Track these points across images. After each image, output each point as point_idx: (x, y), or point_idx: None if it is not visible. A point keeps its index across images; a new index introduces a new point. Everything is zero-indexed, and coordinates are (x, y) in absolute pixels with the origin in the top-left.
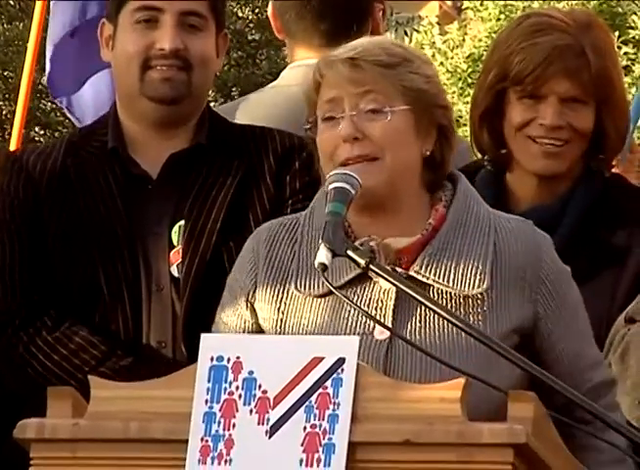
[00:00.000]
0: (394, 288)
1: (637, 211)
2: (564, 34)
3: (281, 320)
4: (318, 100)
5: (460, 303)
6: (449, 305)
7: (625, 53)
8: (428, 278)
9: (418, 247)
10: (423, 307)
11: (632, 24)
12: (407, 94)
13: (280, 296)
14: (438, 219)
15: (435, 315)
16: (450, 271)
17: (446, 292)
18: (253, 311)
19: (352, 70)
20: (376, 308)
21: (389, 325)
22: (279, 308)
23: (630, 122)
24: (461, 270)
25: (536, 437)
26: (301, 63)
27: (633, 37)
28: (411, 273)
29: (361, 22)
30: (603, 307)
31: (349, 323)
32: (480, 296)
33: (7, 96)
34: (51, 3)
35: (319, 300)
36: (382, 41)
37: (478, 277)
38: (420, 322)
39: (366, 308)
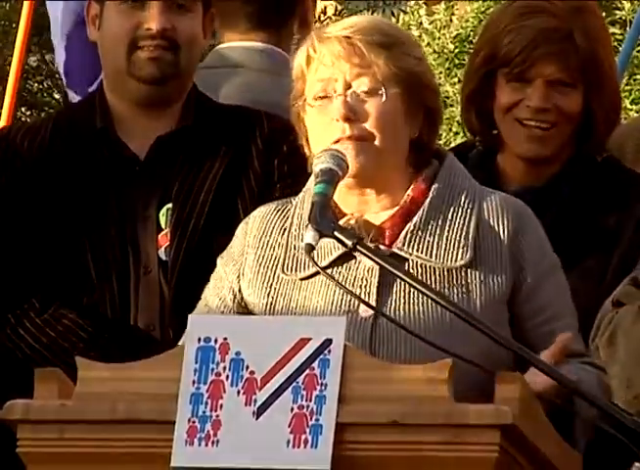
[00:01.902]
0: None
1: (628, 194)
2: (552, 18)
3: (270, 304)
4: (308, 76)
5: (444, 276)
6: (433, 279)
7: (613, 34)
8: (411, 254)
9: (398, 220)
10: (407, 285)
11: (619, 5)
12: (400, 76)
13: (269, 281)
14: (417, 191)
15: (419, 293)
16: (432, 246)
17: (429, 266)
18: (234, 300)
19: (348, 48)
20: (360, 287)
21: (374, 303)
22: (268, 293)
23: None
24: (443, 244)
25: (523, 418)
26: (226, 45)
27: (620, 18)
28: (394, 250)
29: (289, 7)
30: (592, 290)
31: (335, 302)
32: (463, 269)
33: None
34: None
35: (305, 282)
36: (376, 20)
37: (460, 250)
38: (404, 299)
39: (350, 287)
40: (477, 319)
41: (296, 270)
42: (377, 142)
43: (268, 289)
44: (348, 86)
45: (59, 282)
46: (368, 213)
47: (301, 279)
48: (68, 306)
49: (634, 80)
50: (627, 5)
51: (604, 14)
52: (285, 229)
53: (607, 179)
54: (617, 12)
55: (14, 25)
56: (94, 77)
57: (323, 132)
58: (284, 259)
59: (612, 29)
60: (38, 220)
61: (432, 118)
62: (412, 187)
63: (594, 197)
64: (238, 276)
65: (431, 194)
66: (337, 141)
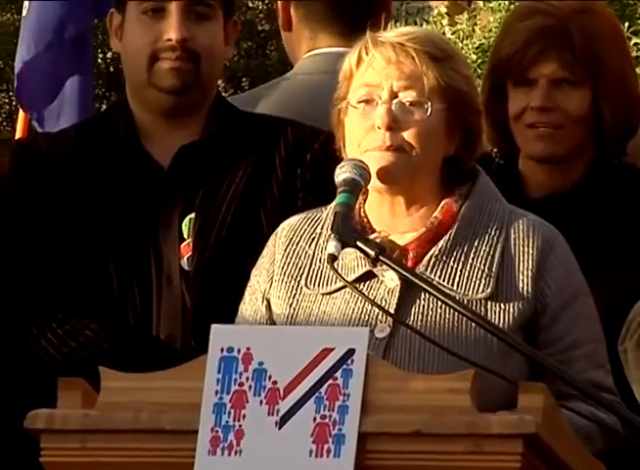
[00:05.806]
0: (399, 287)
1: None
2: (547, 17)
3: (291, 316)
4: (355, 77)
5: (463, 305)
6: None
7: (635, 44)
8: (432, 280)
9: (424, 242)
10: (425, 306)
11: None
12: (447, 92)
13: (293, 292)
14: (445, 214)
15: (437, 313)
16: (455, 274)
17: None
18: (269, 307)
19: (401, 55)
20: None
21: (390, 324)
22: (290, 304)
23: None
24: (466, 273)
25: (546, 427)
26: (322, 51)
27: None
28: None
29: (377, 11)
30: (617, 297)
31: (352, 321)
32: (482, 300)
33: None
34: (22, 20)
35: (327, 297)
36: (430, 33)
37: (482, 281)
38: (421, 322)
39: (369, 307)
40: (514, 339)
41: (318, 285)
42: (413, 154)
43: (291, 300)
44: (394, 95)
45: (81, 292)
46: (394, 234)
47: (323, 294)
48: (90, 317)
49: None
50: None
51: (627, 23)
52: (313, 239)
53: (623, 184)
54: None
55: None
56: (51, 98)
57: (361, 138)
58: (308, 272)
59: (635, 39)
60: (61, 229)
61: (470, 139)
62: (442, 208)
63: (616, 202)
64: (270, 284)
65: (459, 219)
66: (373, 149)
